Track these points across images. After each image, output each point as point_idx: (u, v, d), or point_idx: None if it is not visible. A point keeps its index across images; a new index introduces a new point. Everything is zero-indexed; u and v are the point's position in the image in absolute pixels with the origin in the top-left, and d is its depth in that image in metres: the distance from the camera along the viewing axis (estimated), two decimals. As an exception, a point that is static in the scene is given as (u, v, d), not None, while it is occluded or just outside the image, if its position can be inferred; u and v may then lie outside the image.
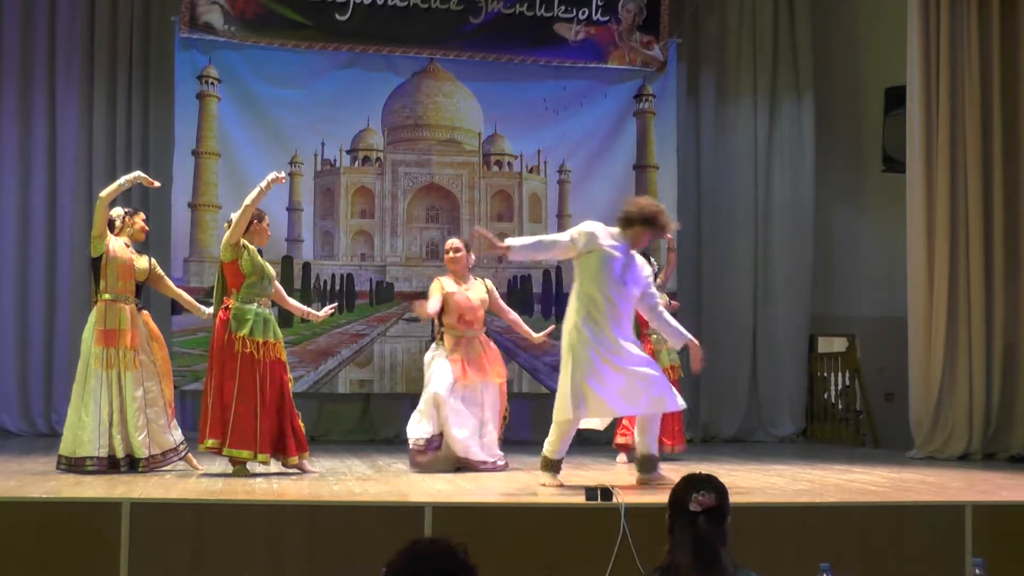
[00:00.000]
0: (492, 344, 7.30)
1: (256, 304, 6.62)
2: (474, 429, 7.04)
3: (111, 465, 6.58)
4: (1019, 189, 9.07)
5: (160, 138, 10.04)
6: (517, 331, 7.55)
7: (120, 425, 6.63)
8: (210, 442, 6.50)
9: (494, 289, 7.34)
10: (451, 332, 7.09)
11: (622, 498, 5.25)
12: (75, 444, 6.56)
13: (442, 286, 7.07)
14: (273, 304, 6.90)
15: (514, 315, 7.50)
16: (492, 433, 7.14)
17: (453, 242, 7.30)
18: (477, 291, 7.18)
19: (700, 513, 3.23)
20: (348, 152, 10.41)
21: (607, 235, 5.96)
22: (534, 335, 7.39)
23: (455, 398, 6.95)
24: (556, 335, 6.62)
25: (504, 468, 7.10)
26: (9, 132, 9.83)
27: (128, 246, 6.95)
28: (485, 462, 7.02)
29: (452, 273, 7.18)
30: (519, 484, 6.40)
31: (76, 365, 6.76)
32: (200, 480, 6.25)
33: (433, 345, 7.23)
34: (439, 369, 7.00)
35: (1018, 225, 9.06)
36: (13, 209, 9.82)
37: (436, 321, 7.18)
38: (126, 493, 5.37)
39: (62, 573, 4.89)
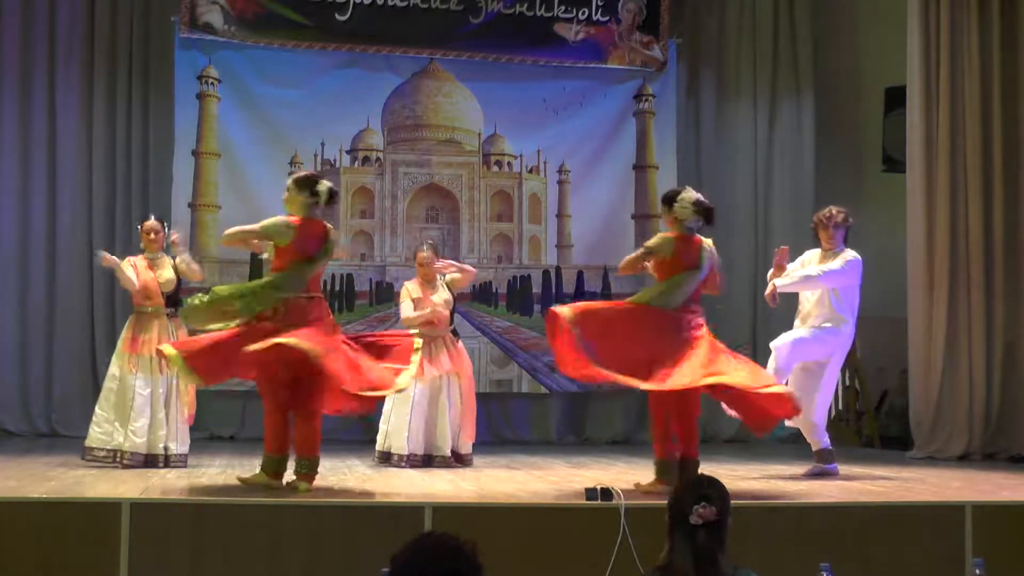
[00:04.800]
0: (460, 344, 7.67)
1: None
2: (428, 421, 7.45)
3: (147, 463, 6.77)
4: (1019, 189, 9.06)
5: (160, 138, 10.02)
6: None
7: (136, 423, 6.83)
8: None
9: (452, 279, 7.73)
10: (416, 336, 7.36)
11: (622, 498, 5.25)
12: (91, 437, 6.88)
13: (409, 292, 7.55)
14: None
15: (468, 268, 7.97)
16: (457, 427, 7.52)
17: (427, 254, 7.64)
18: (441, 294, 7.59)
19: (700, 526, 3.23)
20: (348, 152, 10.40)
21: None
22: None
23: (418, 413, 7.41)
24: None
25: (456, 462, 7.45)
26: (9, 132, 9.80)
27: (149, 263, 7.11)
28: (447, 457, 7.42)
29: (421, 278, 7.61)
30: (519, 484, 6.40)
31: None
32: (200, 480, 6.26)
33: None
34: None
35: (1018, 225, 9.05)
36: (13, 209, 9.78)
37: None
38: (126, 493, 5.38)
39: (62, 573, 4.89)
